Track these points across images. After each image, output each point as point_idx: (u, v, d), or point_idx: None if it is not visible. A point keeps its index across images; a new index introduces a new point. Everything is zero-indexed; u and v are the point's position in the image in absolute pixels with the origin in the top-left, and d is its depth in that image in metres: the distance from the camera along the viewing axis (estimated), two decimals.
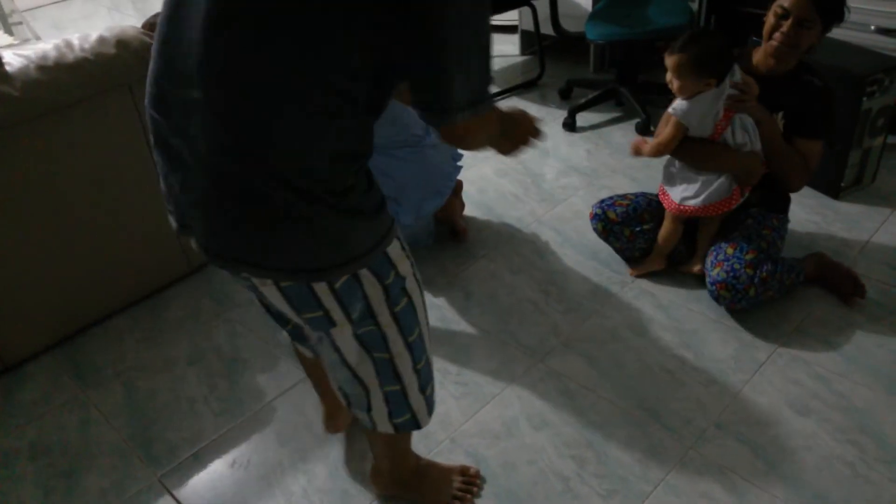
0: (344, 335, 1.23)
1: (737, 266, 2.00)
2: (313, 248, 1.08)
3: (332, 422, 1.81)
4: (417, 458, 1.66)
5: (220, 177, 1.03)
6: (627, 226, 2.25)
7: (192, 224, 1.12)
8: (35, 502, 1.72)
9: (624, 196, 2.32)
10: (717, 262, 2.05)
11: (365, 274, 1.15)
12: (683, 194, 2.13)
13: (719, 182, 2.06)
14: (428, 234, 2.50)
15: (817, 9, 1.91)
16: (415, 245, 2.47)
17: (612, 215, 2.26)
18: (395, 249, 1.19)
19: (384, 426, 1.40)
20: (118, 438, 1.88)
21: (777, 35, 1.97)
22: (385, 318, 1.23)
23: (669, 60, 1.95)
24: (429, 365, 1.39)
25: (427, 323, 1.36)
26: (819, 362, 1.93)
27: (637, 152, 2.10)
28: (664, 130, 2.05)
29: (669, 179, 2.19)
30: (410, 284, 1.26)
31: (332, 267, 1.11)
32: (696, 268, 2.20)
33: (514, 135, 1.29)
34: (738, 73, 1.97)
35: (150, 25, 2.20)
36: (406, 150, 2.26)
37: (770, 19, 1.98)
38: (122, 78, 1.99)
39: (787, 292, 2.12)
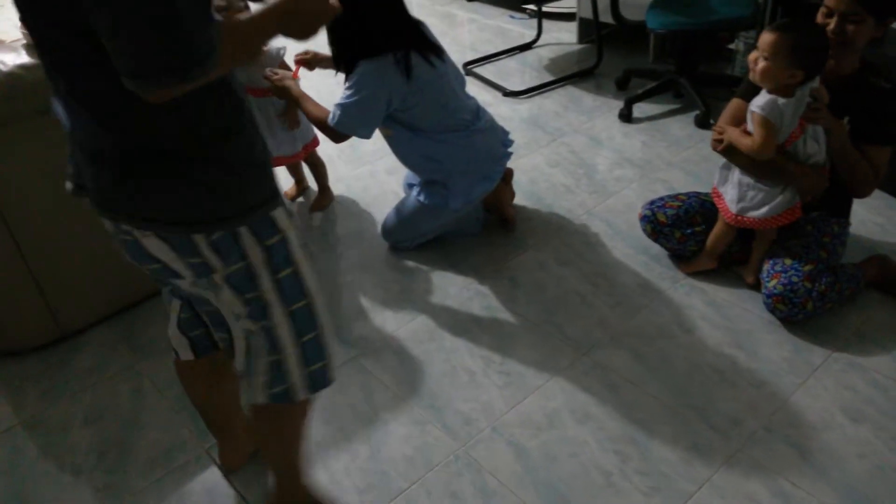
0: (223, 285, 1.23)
1: (794, 278, 1.94)
2: (187, 201, 1.12)
3: (228, 457, 1.74)
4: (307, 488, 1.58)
5: (96, 137, 1.09)
6: (678, 228, 2.20)
7: (86, 182, 1.17)
8: (88, 466, 1.79)
9: (675, 197, 2.27)
10: (774, 273, 1.98)
11: (244, 232, 1.17)
12: (742, 204, 2.03)
13: (783, 196, 1.97)
14: (476, 220, 2.49)
15: (861, 3, 1.83)
16: (462, 232, 2.48)
17: (661, 217, 2.22)
18: (280, 214, 1.21)
19: (261, 395, 1.35)
20: (168, 409, 1.93)
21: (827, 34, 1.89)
22: (267, 283, 1.23)
23: (767, 37, 1.83)
24: (319, 340, 1.34)
25: (319, 296, 1.33)
26: (876, 368, 1.87)
27: (723, 149, 2.00)
28: (756, 132, 1.90)
29: (725, 182, 2.10)
30: (297, 254, 1.27)
31: (205, 221, 1.14)
32: (750, 279, 2.13)
33: (305, 16, 1.16)
34: (816, 80, 1.89)
35: None
36: (454, 134, 2.26)
37: (819, 19, 1.91)
38: None
39: (847, 301, 2.05)
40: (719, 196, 2.13)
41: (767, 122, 1.87)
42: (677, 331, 2.04)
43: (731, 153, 2.00)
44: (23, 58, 1.83)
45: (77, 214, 2.01)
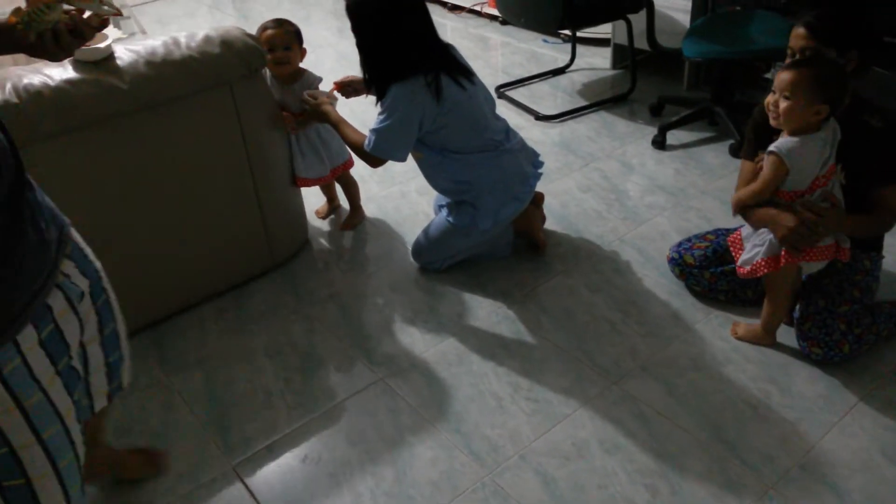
0: None
1: (829, 321, 1.89)
2: None
3: None
4: None
5: None
6: (707, 268, 2.17)
7: None
8: (113, 481, 1.79)
9: (702, 237, 2.25)
10: (808, 315, 1.94)
11: None
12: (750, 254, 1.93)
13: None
14: (506, 243, 2.48)
15: (815, 36, 1.81)
16: (492, 255, 2.47)
17: (689, 259, 2.20)
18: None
19: None
20: (197, 424, 1.93)
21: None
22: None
23: (786, 76, 1.75)
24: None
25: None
26: None
27: (738, 210, 1.92)
28: (764, 170, 1.84)
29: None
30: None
31: None
32: (768, 340, 2.05)
33: None
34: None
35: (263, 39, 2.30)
36: (482, 154, 2.27)
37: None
38: (224, 76, 2.05)
39: (885, 340, 2.00)
40: (738, 247, 2.01)
41: (778, 162, 1.79)
42: (710, 363, 2.01)
43: (746, 212, 1.91)
44: (69, 73, 1.87)
45: (112, 228, 2.05)
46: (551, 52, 4.27)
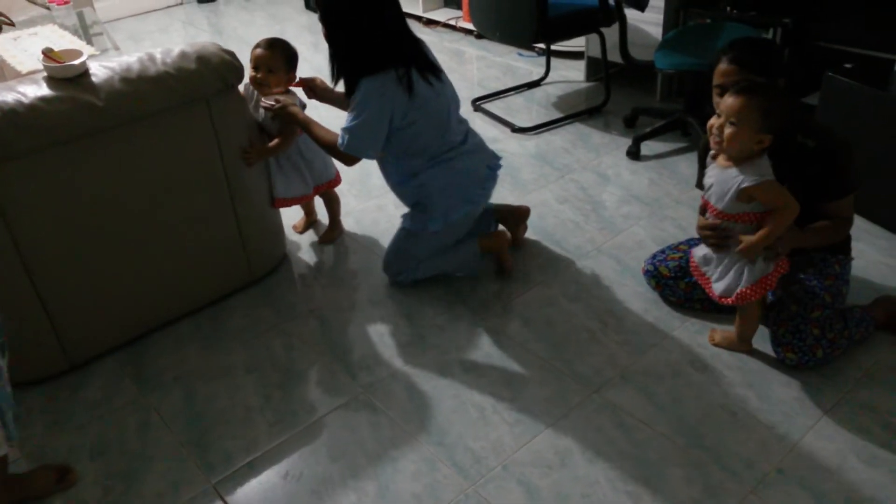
0: None
1: (802, 327, 1.92)
2: None
3: None
4: None
5: None
6: (681, 278, 2.20)
7: None
8: (93, 501, 1.77)
9: (676, 248, 2.28)
10: (781, 321, 1.97)
11: None
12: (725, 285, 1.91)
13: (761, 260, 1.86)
14: (474, 262, 2.43)
15: (745, 69, 1.82)
16: (460, 272, 2.46)
17: (664, 271, 2.23)
18: None
19: None
20: (176, 443, 1.91)
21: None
22: None
23: (733, 101, 1.70)
24: None
25: None
26: (889, 410, 1.85)
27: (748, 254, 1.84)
28: (774, 199, 1.77)
29: (709, 264, 1.96)
30: None
31: None
32: (745, 347, 2.07)
33: None
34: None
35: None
36: (439, 156, 2.26)
37: (714, 98, 1.89)
38: (200, 92, 2.05)
39: (857, 344, 2.04)
40: (705, 279, 1.99)
41: (773, 183, 1.75)
42: (688, 369, 2.03)
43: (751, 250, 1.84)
44: (43, 90, 1.86)
45: (88, 246, 2.03)
46: (526, 65, 4.31)
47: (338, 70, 2.20)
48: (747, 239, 1.81)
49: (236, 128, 2.22)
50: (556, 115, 3.62)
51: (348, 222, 2.83)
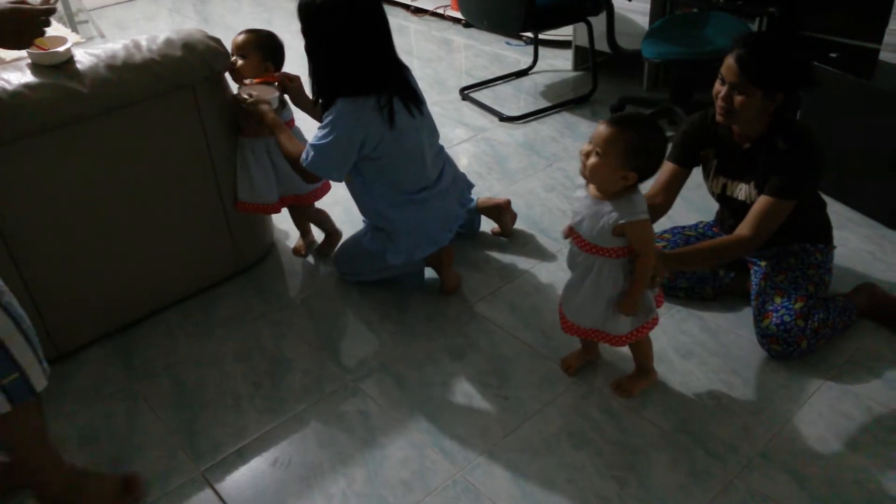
0: None
1: (787, 318, 1.94)
2: None
3: None
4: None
5: None
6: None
7: None
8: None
9: (659, 237, 2.27)
10: (766, 313, 1.99)
11: None
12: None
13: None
14: (417, 276, 2.40)
15: (748, 77, 1.79)
16: (402, 279, 2.40)
17: None
18: None
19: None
20: (164, 431, 1.91)
21: (718, 100, 1.88)
22: None
23: (603, 131, 1.60)
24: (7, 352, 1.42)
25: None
26: (870, 395, 1.88)
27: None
28: (643, 238, 1.68)
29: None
30: None
31: None
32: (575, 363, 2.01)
33: None
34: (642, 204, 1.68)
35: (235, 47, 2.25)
36: (410, 197, 2.18)
37: (716, 85, 1.89)
38: (186, 79, 2.04)
39: (840, 332, 2.06)
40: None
41: (646, 224, 1.67)
42: (674, 356, 2.05)
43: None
44: (27, 77, 1.84)
45: (75, 234, 2.02)
46: (514, 54, 4.31)
47: (318, 90, 2.09)
48: (623, 302, 1.74)
49: (223, 115, 2.21)
50: (544, 104, 3.63)
51: (336, 212, 2.79)
